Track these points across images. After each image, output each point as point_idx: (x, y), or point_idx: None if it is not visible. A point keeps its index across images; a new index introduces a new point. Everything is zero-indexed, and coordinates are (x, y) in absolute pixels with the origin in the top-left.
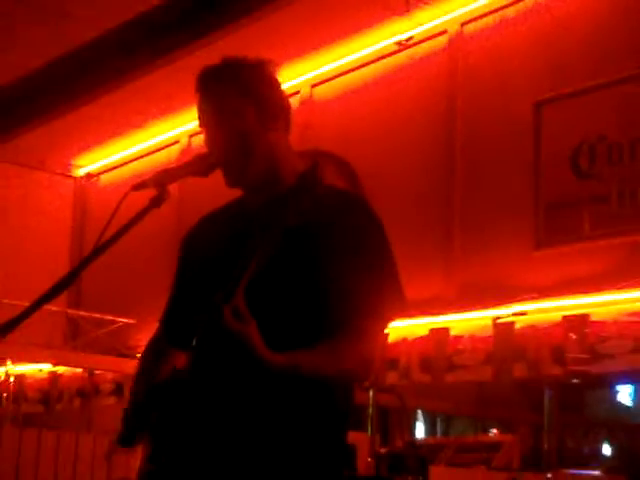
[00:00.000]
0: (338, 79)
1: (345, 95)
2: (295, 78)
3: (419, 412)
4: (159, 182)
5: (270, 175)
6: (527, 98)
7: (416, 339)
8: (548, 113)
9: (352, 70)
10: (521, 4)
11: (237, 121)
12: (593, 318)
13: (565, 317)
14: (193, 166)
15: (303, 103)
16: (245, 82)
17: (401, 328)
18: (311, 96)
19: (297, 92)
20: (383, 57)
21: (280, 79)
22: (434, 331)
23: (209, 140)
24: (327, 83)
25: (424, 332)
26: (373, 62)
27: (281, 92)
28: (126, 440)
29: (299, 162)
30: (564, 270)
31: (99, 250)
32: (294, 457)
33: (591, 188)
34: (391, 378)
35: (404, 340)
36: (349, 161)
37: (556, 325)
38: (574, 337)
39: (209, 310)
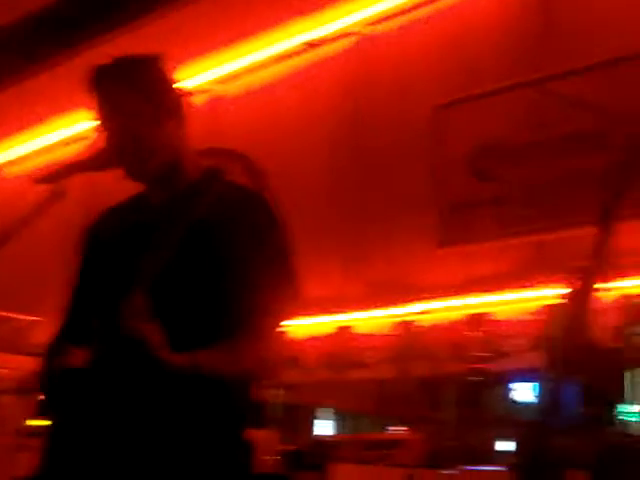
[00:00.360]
0: (247, 77)
1: (254, 93)
2: (203, 75)
3: (325, 409)
4: (60, 177)
5: (171, 170)
6: (430, 100)
7: (320, 337)
8: (451, 115)
9: (261, 68)
10: (429, 7)
11: (132, 120)
12: (495, 317)
13: (468, 315)
14: (93, 161)
15: (212, 101)
16: (138, 79)
17: (305, 326)
18: (220, 93)
19: (206, 90)
20: (292, 56)
21: (189, 76)
22: (338, 329)
23: (107, 138)
24: (236, 81)
25: (328, 330)
26: (282, 60)
27: (174, 87)
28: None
29: (201, 158)
30: (467, 269)
31: None
32: (192, 455)
33: (493, 189)
34: (294, 375)
35: (308, 338)
36: (256, 159)
37: (458, 323)
38: (476, 335)
39: (111, 309)
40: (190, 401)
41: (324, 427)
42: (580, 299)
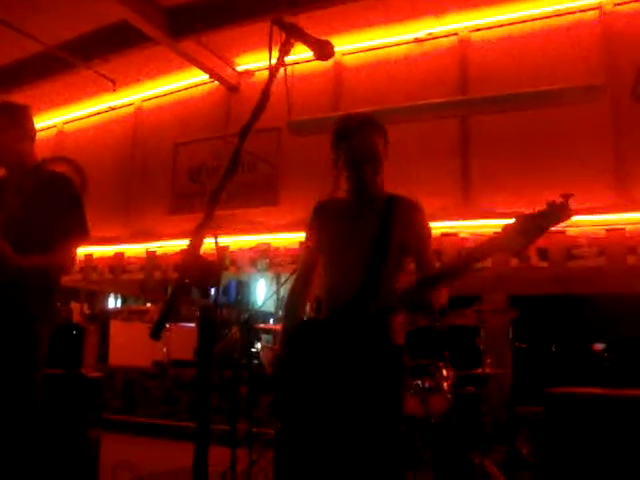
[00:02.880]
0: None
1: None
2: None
3: (114, 294)
4: None
5: (20, 164)
6: (172, 142)
7: (103, 257)
8: (181, 150)
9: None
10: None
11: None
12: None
13: (181, 250)
14: None
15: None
16: (16, 114)
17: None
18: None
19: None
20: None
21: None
22: (117, 255)
23: None
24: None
25: (109, 254)
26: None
27: (32, 121)
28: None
29: (36, 159)
30: (181, 225)
31: None
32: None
33: (197, 187)
34: (95, 277)
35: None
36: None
37: (180, 253)
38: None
39: None
40: (25, 280)
41: (111, 302)
42: (195, 241)
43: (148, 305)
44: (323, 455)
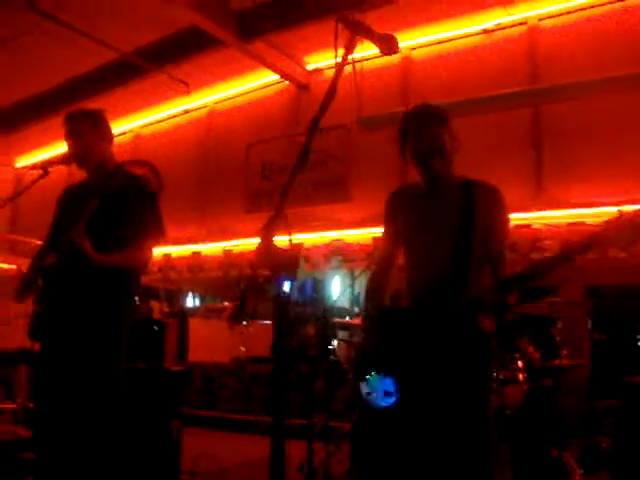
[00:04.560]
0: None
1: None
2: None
3: (192, 292)
4: (45, 166)
5: (100, 166)
6: (244, 142)
7: (183, 256)
8: (253, 149)
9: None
10: None
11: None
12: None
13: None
14: (62, 159)
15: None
16: (95, 119)
17: (179, 251)
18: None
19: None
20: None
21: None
22: (192, 253)
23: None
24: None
25: (187, 253)
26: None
27: (109, 125)
28: None
29: (116, 162)
30: (256, 223)
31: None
32: (102, 307)
33: (269, 185)
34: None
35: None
36: (156, 165)
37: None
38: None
39: (67, 233)
40: (104, 279)
41: (190, 301)
42: (267, 234)
43: (225, 303)
44: (408, 446)
